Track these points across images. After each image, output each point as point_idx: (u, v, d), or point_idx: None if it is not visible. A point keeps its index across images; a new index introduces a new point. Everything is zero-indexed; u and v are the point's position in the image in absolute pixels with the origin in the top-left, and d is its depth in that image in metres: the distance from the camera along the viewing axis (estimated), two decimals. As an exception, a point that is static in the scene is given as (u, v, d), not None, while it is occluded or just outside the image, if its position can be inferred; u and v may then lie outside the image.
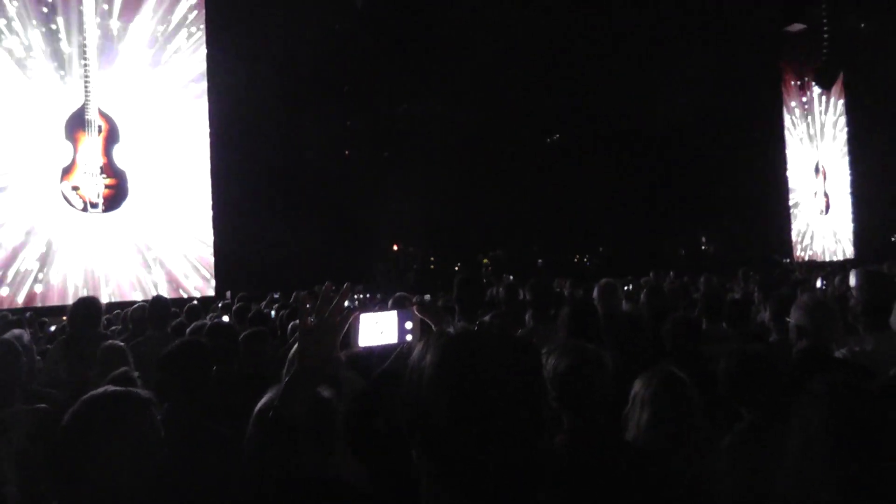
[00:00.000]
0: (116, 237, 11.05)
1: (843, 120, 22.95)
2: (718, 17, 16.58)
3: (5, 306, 9.51)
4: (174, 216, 11.78)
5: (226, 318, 6.08)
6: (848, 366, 2.87)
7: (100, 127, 10.94)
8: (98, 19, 11.03)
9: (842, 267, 12.52)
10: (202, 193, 12.18)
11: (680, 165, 19.54)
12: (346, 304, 1.55)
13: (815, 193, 21.76)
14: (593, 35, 16.86)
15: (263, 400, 1.72)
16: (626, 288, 7.66)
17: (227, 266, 12.61)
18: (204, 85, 12.30)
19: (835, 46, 15.87)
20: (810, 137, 21.88)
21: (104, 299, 7.83)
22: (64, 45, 10.70)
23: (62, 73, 10.69)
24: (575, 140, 20.62)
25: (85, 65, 10.77)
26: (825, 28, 15.40)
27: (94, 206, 10.84)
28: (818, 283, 7.78)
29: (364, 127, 18.36)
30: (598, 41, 16.90)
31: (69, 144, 10.65)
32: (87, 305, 4.44)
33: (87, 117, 10.79)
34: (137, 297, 10.55)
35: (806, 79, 21.20)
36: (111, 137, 11.06)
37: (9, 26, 10.27)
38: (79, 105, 10.73)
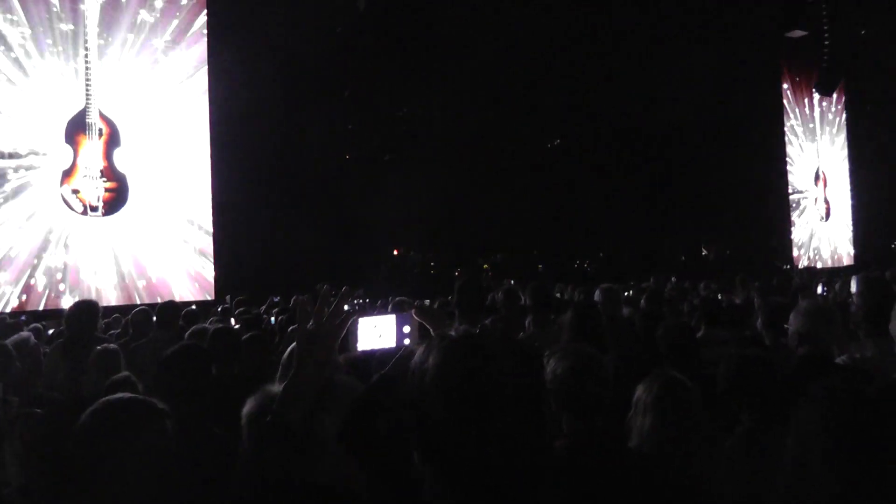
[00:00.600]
0: (116, 241, 11.05)
1: (843, 126, 22.95)
2: (719, 19, 16.59)
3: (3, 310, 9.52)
4: (174, 220, 11.77)
5: (233, 323, 6.12)
6: (848, 371, 2.87)
7: (101, 130, 10.94)
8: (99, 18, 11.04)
9: (843, 273, 12.52)
10: (202, 197, 12.17)
11: (680, 167, 19.55)
12: (345, 307, 1.55)
13: (816, 200, 21.74)
14: (593, 36, 16.88)
15: (253, 403, 1.72)
16: (626, 294, 7.67)
17: (227, 270, 12.60)
18: (205, 87, 12.29)
19: (835, 53, 15.88)
20: (811, 143, 21.89)
21: (103, 303, 7.81)
22: (64, 44, 10.71)
23: (62, 73, 10.69)
24: (576, 141, 20.61)
25: (87, 66, 10.79)
26: (826, 34, 15.41)
27: (94, 209, 10.83)
28: (819, 290, 7.79)
29: (365, 129, 18.36)
30: (599, 42, 16.92)
31: (69, 147, 10.65)
32: (85, 309, 4.45)
33: (87, 120, 10.79)
34: (137, 300, 10.54)
35: (805, 84, 21.21)
36: (112, 141, 11.06)
37: (9, 26, 10.28)
38: (80, 108, 10.74)
